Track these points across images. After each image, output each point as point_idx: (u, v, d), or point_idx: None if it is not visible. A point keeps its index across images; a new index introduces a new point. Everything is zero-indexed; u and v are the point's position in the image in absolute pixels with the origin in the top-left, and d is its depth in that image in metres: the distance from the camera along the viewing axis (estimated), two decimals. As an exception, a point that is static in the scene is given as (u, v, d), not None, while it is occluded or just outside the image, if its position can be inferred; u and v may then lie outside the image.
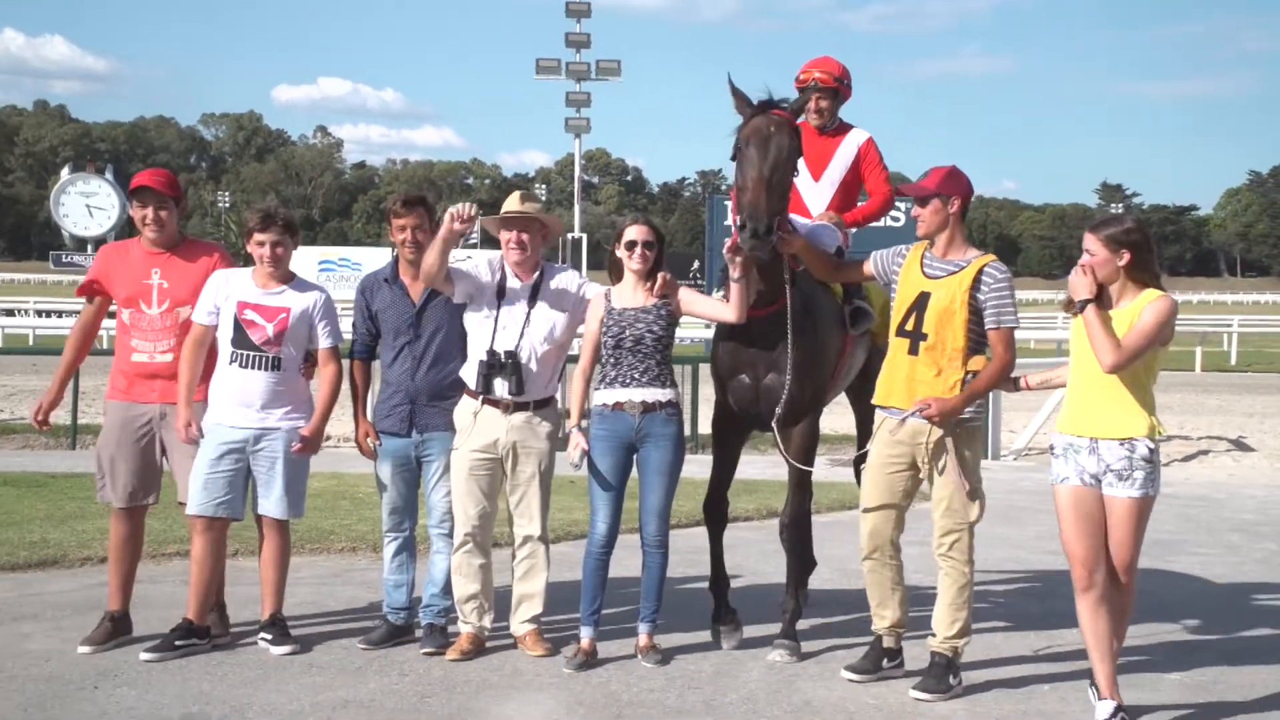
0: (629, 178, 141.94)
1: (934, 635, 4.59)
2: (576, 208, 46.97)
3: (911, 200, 4.74)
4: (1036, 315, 49.46)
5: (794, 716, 4.32)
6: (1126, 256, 4.18)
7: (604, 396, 4.90)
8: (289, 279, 5.01)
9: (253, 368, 4.87)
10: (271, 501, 4.98)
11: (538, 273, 4.98)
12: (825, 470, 8.68)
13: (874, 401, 4.72)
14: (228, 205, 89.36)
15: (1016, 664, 4.98)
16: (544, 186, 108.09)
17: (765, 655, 4.97)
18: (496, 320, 4.89)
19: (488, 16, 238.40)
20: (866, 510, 4.69)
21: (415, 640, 5.06)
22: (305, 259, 53.54)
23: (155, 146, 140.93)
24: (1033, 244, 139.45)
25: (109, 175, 27.17)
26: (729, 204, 12.40)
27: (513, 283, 4.96)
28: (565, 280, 5.07)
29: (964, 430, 4.55)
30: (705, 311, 5.22)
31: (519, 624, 5.00)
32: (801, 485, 5.13)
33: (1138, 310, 4.15)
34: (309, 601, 5.76)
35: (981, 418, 4.82)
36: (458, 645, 4.89)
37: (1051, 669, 4.92)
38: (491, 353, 4.85)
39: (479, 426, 4.88)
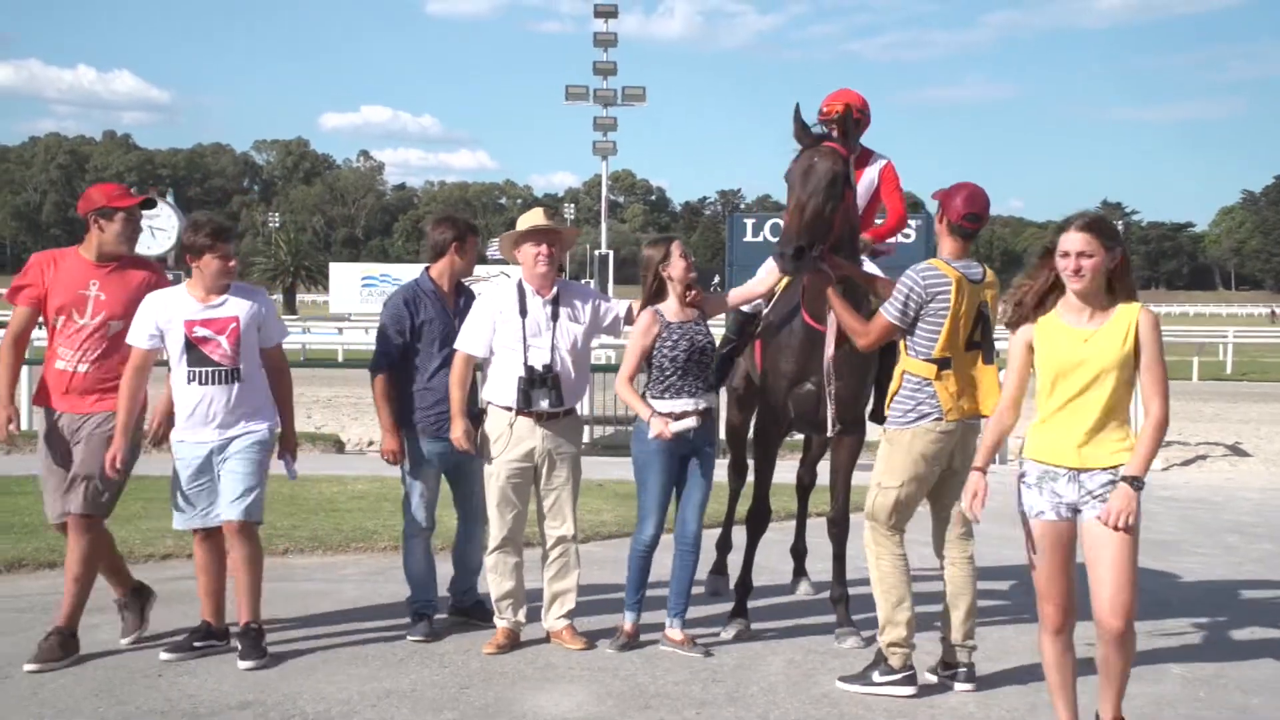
0: (653, 197, 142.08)
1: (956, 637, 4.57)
2: (603, 226, 47.03)
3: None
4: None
5: (813, 707, 4.29)
6: (1120, 256, 3.58)
7: (671, 406, 4.85)
8: (227, 286, 4.70)
9: (213, 383, 4.59)
10: (232, 506, 4.62)
11: (555, 288, 4.97)
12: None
13: (958, 415, 4.41)
14: (277, 225, 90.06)
15: (1023, 658, 4.93)
16: (572, 205, 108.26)
17: (837, 644, 5.04)
18: (525, 338, 4.86)
19: (520, 47, 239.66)
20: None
21: (458, 631, 5.09)
22: (349, 275, 53.97)
23: (211, 171, 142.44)
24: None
25: (169, 199, 27.46)
26: (749, 222, 12.46)
27: (533, 300, 4.90)
28: (580, 293, 5.09)
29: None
30: (739, 297, 5.26)
31: (555, 620, 4.99)
32: (849, 482, 5.25)
33: (1130, 326, 3.55)
34: (355, 597, 5.78)
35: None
36: (494, 640, 4.90)
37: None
38: (530, 369, 4.83)
39: (515, 437, 4.86)
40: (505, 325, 4.87)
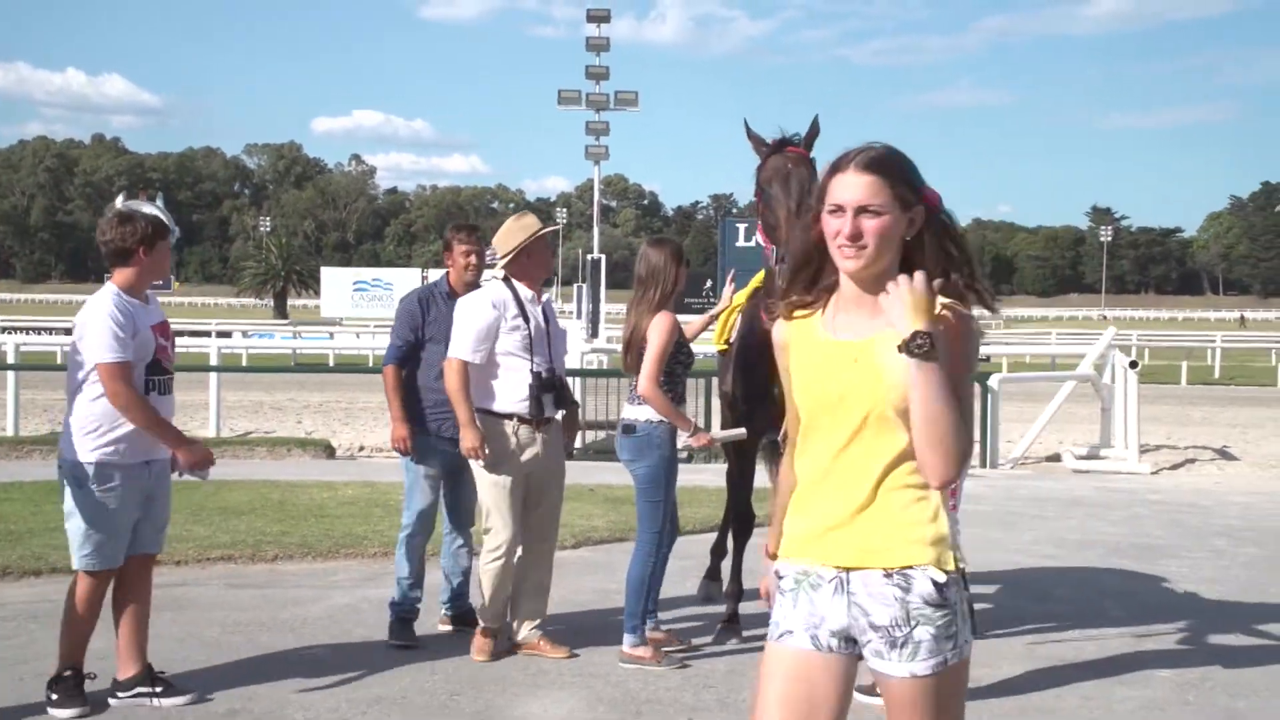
0: (645, 202, 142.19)
1: None
2: (596, 230, 46.94)
3: None
4: (1031, 331, 49.37)
5: (802, 713, 4.28)
6: (924, 216, 2.17)
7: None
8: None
9: (167, 392, 4.17)
10: (157, 535, 4.26)
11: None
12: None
13: None
14: (269, 230, 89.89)
15: (1013, 662, 4.93)
16: (565, 210, 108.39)
17: None
18: (532, 345, 4.79)
19: (512, 51, 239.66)
20: None
21: (453, 633, 5.10)
22: (340, 280, 53.95)
23: (202, 175, 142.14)
24: (1027, 264, 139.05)
25: (159, 202, 27.43)
26: (741, 226, 12.50)
27: (532, 306, 4.86)
28: (546, 300, 5.08)
29: None
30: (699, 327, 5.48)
31: (530, 631, 4.91)
32: None
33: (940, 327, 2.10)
34: (344, 603, 5.76)
35: None
36: (484, 647, 4.87)
37: (1047, 666, 4.87)
38: (537, 375, 4.78)
39: (520, 445, 4.78)
40: (510, 332, 4.78)
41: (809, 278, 2.29)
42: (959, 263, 2.20)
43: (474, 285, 5.12)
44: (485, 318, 4.77)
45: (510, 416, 4.77)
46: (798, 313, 2.31)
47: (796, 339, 2.31)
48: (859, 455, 2.19)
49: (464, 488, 5.10)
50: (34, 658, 4.71)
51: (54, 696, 4.10)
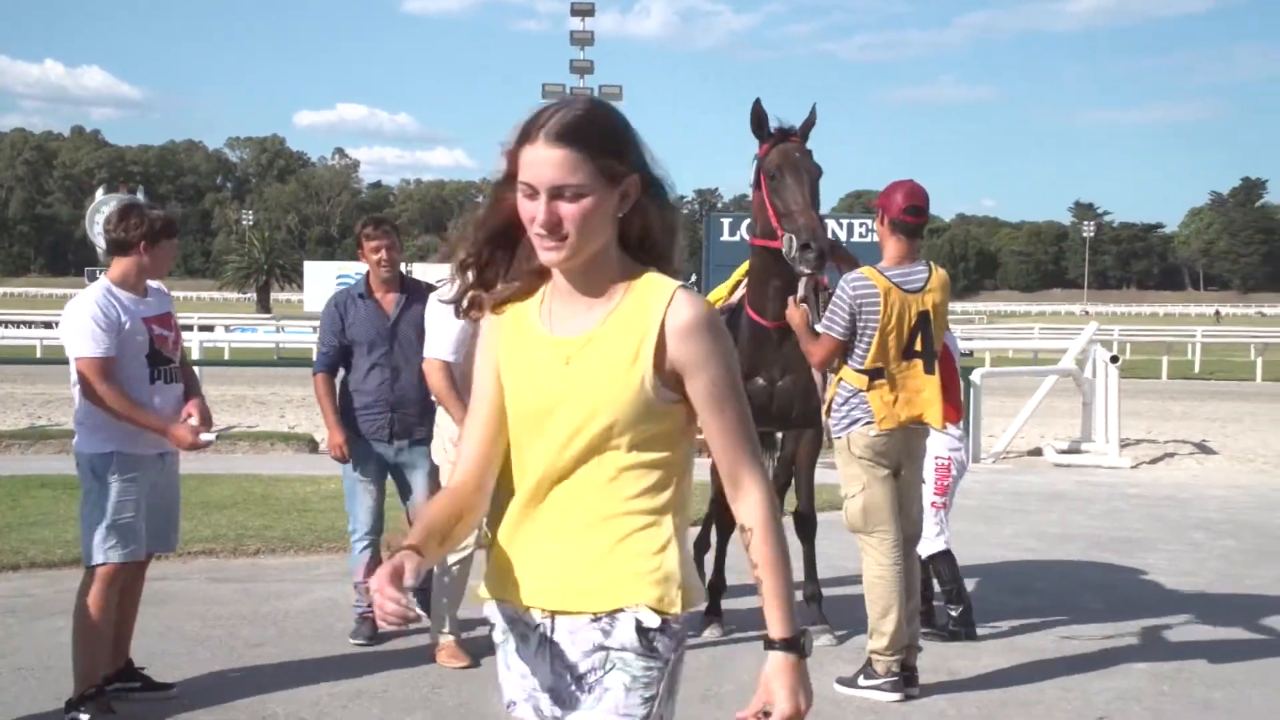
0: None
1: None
2: (580, 225, 47.14)
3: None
4: (1014, 325, 49.59)
5: (784, 705, 4.30)
6: (636, 185, 1.77)
7: None
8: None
9: (173, 381, 4.15)
10: (171, 533, 4.25)
11: None
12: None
13: (893, 423, 4.32)
14: (251, 223, 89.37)
15: (993, 654, 4.97)
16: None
17: (818, 638, 5.02)
18: None
19: (497, 45, 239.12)
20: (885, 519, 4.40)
21: (421, 632, 5.07)
22: (324, 274, 53.54)
23: (184, 168, 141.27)
24: (1010, 259, 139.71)
25: (140, 196, 27.26)
26: (726, 221, 12.45)
27: None
28: None
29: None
30: None
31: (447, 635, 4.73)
32: (812, 478, 5.35)
33: (646, 329, 1.76)
34: (326, 597, 5.75)
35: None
36: (456, 654, 4.69)
37: (1026, 658, 4.90)
38: None
39: None
40: None
41: (505, 259, 1.83)
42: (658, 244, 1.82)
43: (391, 283, 5.01)
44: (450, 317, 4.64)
45: None
46: (504, 306, 1.86)
47: (507, 333, 1.86)
48: (573, 475, 1.78)
49: (413, 485, 5.00)
50: (11, 651, 4.70)
51: (84, 716, 3.92)
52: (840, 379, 4.46)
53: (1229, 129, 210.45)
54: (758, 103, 4.80)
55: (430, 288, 4.96)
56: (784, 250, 4.56)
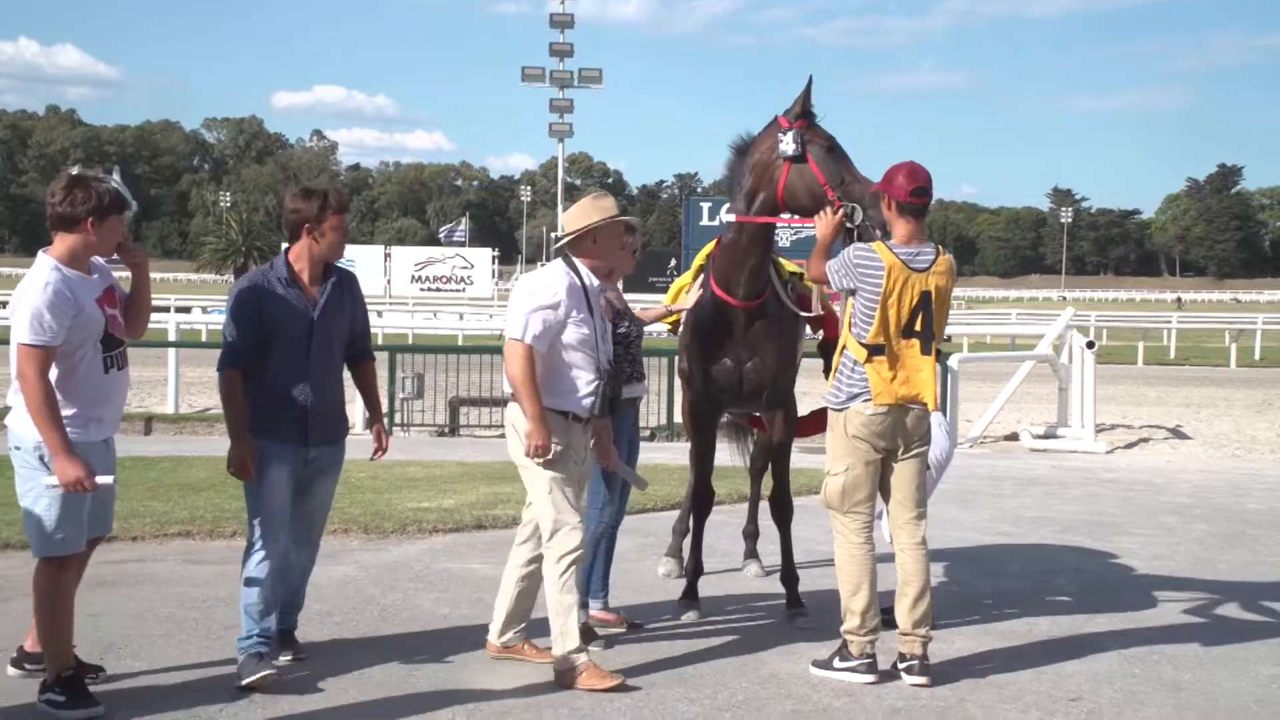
0: (610, 180, 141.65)
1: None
2: (560, 209, 46.89)
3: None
4: (992, 311, 49.84)
5: (761, 687, 4.33)
6: None
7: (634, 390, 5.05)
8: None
9: (123, 366, 4.00)
10: (109, 517, 4.16)
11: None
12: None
13: (890, 399, 4.33)
14: (229, 205, 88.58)
15: (967, 638, 5.01)
16: (529, 188, 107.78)
17: (787, 625, 5.10)
18: (598, 340, 4.38)
19: (476, 27, 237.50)
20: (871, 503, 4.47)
21: (399, 619, 5.06)
22: (303, 256, 53.27)
23: (160, 149, 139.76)
24: (989, 244, 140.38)
25: (116, 176, 26.94)
26: (705, 205, 12.54)
27: (595, 298, 4.41)
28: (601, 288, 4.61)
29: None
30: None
31: (515, 634, 4.58)
32: (787, 462, 5.40)
33: None
34: (304, 580, 5.72)
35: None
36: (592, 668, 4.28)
37: (1000, 644, 4.95)
38: (605, 372, 4.40)
39: (574, 442, 4.37)
40: (576, 325, 4.29)
41: None
42: None
43: (320, 267, 4.36)
44: (546, 305, 4.27)
45: (566, 414, 4.33)
46: None
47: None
48: None
49: (314, 500, 4.51)
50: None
51: (60, 698, 3.82)
52: (844, 347, 4.48)
53: (1206, 116, 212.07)
54: (810, 80, 4.91)
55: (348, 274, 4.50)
56: (846, 217, 4.66)
